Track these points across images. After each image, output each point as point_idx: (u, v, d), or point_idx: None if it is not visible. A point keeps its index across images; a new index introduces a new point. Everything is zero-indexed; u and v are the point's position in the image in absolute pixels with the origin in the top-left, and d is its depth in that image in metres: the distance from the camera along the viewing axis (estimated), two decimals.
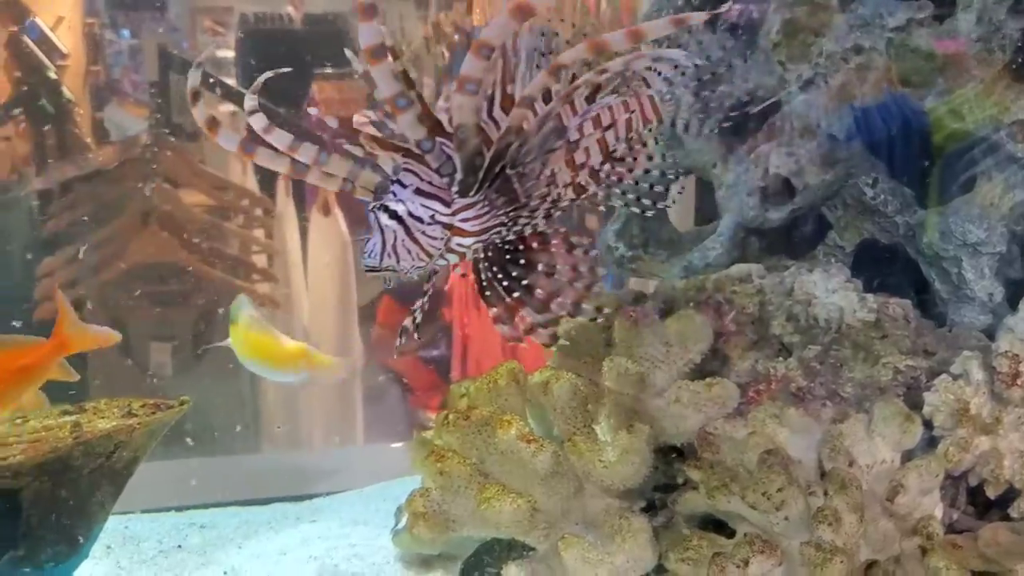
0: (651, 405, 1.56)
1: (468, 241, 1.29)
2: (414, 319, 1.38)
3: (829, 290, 1.70)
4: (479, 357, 3.22)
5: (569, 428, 1.58)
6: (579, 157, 1.32)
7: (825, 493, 1.38)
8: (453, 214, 1.27)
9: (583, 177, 1.31)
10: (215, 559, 2.06)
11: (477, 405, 1.71)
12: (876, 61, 1.79)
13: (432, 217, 1.26)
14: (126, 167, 3.03)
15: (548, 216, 1.32)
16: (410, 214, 1.25)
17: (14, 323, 2.37)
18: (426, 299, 1.37)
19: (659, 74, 1.42)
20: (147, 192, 3.02)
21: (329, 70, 3.05)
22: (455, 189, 1.26)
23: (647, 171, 1.44)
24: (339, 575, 2.01)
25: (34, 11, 2.96)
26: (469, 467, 1.60)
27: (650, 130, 1.43)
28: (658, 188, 1.45)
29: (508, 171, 1.25)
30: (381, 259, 1.25)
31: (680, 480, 1.62)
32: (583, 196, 1.35)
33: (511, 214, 1.29)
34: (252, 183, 3.24)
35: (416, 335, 1.38)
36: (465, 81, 1.14)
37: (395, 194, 1.25)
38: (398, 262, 1.26)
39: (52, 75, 2.94)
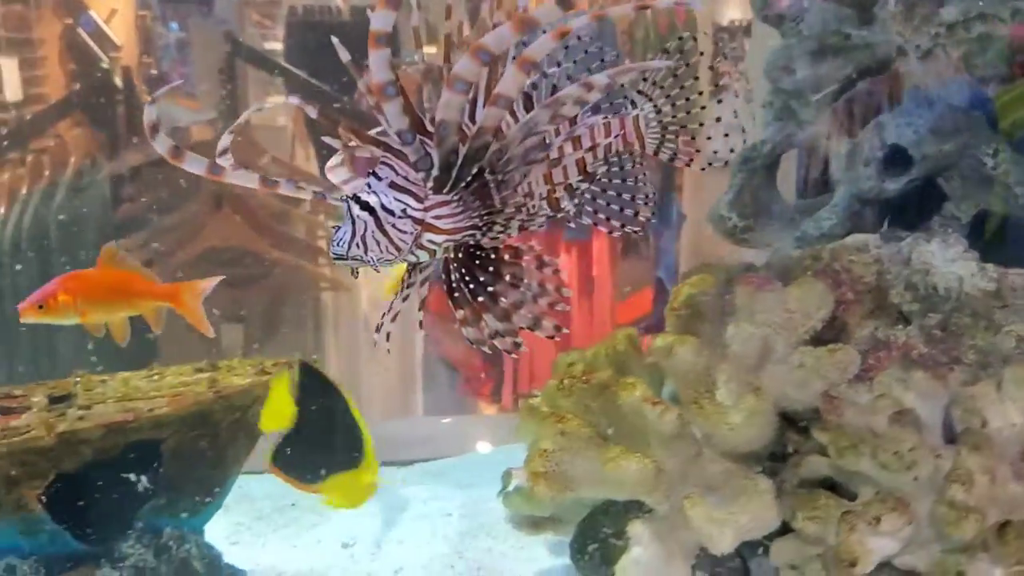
0: (772, 371, 1.58)
1: (439, 239, 1.28)
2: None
3: (948, 259, 1.69)
4: (531, 347, 3.25)
5: (692, 392, 1.60)
6: (557, 175, 1.32)
7: (958, 453, 1.40)
8: (426, 210, 1.26)
9: (560, 192, 1.31)
10: (329, 516, 2.13)
11: (595, 369, 1.75)
12: (999, 30, 1.78)
13: (404, 211, 1.25)
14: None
15: (523, 228, 1.31)
16: (382, 206, 1.24)
17: None
18: (410, 287, 1.38)
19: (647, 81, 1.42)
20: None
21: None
22: (430, 185, 1.26)
23: (620, 194, 1.44)
24: (451, 533, 2.07)
25: (88, 4, 3.05)
26: (590, 428, 1.64)
27: (630, 155, 1.43)
28: (628, 211, 1.45)
29: (487, 176, 1.25)
30: (349, 248, 1.25)
31: (791, 449, 1.64)
32: (559, 213, 1.35)
33: (485, 218, 1.29)
34: (315, 169, 3.30)
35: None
36: (456, 79, 1.14)
37: (370, 186, 1.26)
38: (366, 252, 1.25)
39: (106, 66, 3.03)
